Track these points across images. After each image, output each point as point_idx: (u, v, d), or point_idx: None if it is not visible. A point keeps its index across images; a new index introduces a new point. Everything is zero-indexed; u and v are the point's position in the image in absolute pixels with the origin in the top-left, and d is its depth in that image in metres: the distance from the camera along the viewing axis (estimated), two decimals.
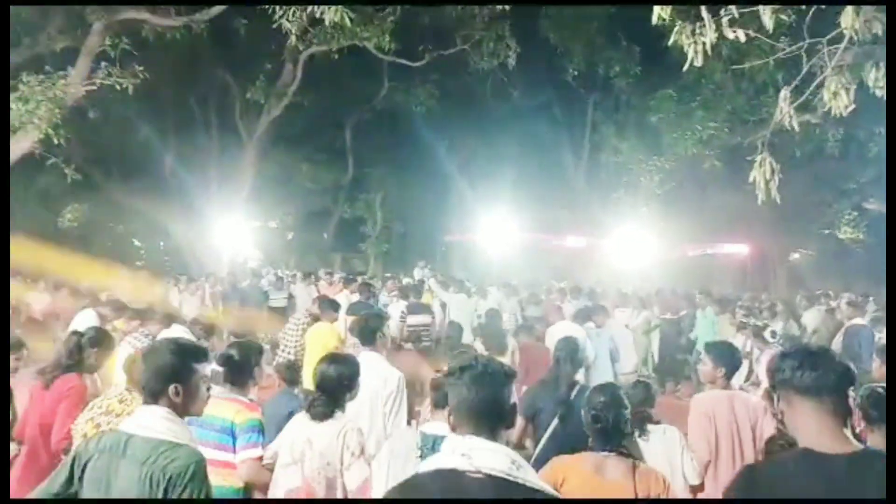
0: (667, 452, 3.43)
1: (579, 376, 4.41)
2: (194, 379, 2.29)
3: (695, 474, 3.46)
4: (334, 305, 6.85)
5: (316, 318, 6.73)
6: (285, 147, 21.19)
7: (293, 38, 11.53)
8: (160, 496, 2.05)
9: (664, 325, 11.19)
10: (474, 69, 17.47)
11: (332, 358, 3.34)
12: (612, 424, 2.81)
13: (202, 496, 2.11)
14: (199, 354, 2.40)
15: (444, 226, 23.59)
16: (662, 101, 15.44)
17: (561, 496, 2.85)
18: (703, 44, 5.45)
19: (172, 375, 2.25)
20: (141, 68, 12.54)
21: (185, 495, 2.06)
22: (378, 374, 4.00)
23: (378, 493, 2.81)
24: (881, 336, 8.17)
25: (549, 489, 1.74)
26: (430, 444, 2.79)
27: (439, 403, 3.06)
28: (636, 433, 3.40)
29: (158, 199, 18.89)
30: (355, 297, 9.15)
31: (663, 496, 2.76)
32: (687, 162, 16.23)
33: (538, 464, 3.17)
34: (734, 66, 10.56)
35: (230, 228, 18.10)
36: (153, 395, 2.25)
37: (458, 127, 20.93)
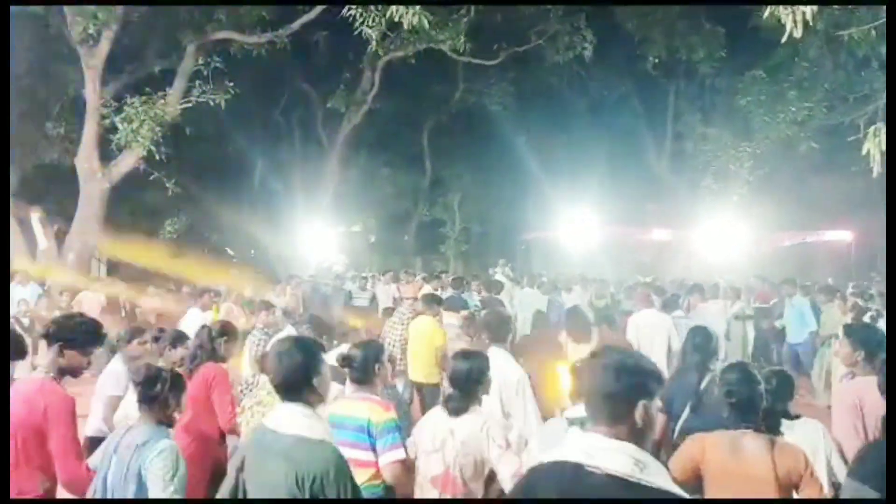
0: (809, 448, 3.23)
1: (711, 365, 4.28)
2: (324, 369, 2.45)
3: (843, 469, 3.25)
4: (437, 300, 7.13)
5: (418, 314, 7.02)
6: (366, 153, 21.71)
7: (374, 43, 11.79)
8: (308, 494, 2.14)
9: (757, 315, 10.81)
10: (550, 64, 17.30)
11: (463, 354, 3.42)
12: (745, 399, 2.86)
13: (349, 492, 2.18)
14: (321, 347, 2.61)
15: (523, 224, 23.43)
16: (752, 83, 14.70)
17: (703, 477, 2.85)
18: (804, 13, 5.14)
19: (311, 370, 2.38)
20: (231, 83, 13.22)
21: (334, 492, 2.13)
22: (503, 370, 4.06)
23: None
24: None
25: (677, 490, 1.64)
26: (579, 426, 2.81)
27: (578, 391, 3.04)
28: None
29: (248, 208, 19.80)
30: (433, 291, 9.36)
31: (804, 474, 2.71)
32: (780, 146, 15.37)
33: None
34: (838, 32, 9.86)
35: (315, 234, 18.71)
36: (292, 391, 2.36)
37: (536, 123, 20.76)
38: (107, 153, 13.01)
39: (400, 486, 3.19)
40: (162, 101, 12.53)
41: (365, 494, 3.13)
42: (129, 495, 2.59)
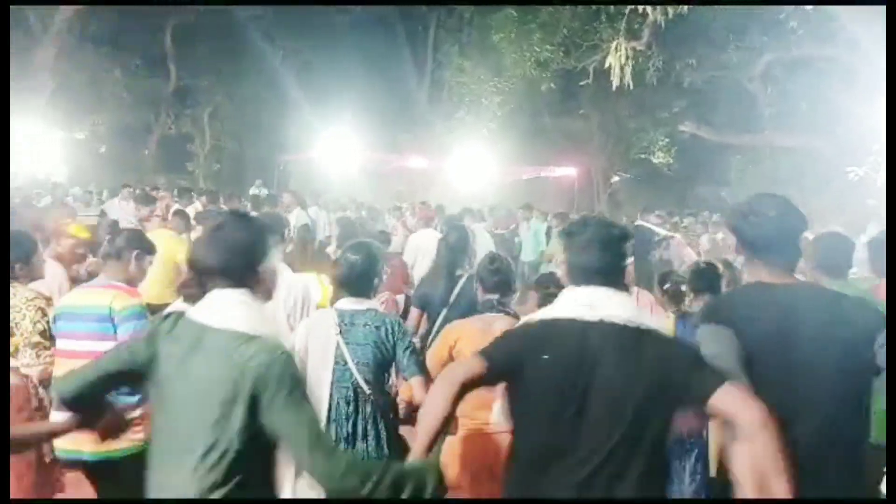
0: None
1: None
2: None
3: None
4: (184, 216, 7.02)
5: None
6: (93, 48, 18.56)
7: None
8: (246, 397, 1.64)
9: (497, 239, 11.92)
10: None
11: None
12: (503, 283, 3.11)
13: (297, 395, 1.67)
14: None
15: (282, 144, 22.26)
16: (504, 20, 15.49)
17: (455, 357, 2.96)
18: None
19: None
20: None
21: (280, 397, 1.63)
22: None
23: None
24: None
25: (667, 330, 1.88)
26: (349, 319, 2.78)
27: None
28: None
29: None
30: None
31: None
32: (525, 84, 16.59)
33: None
34: None
35: (25, 138, 15.65)
36: None
37: (294, 37, 19.63)
38: None
39: None
40: None
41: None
42: None
